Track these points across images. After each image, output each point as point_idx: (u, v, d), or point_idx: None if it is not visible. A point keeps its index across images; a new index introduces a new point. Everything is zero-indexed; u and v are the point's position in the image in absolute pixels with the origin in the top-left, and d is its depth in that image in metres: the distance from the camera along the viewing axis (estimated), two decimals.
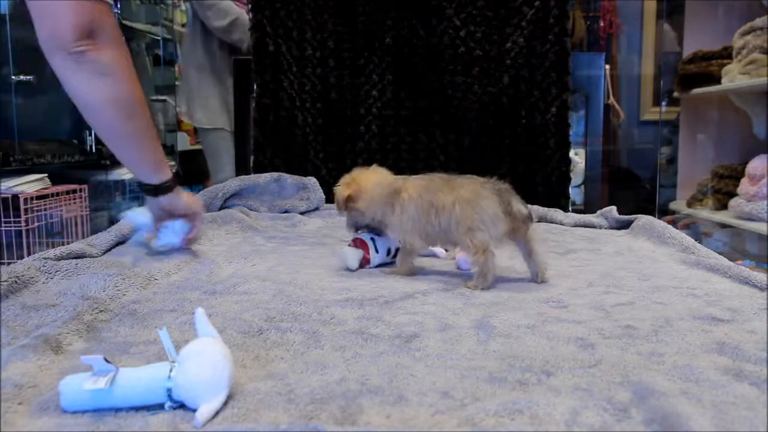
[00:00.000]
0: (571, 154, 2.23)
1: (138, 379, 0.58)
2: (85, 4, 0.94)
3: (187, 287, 1.01)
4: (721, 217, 2.55)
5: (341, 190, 1.15)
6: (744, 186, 2.41)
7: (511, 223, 1.02)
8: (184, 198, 1.19)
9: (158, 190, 1.14)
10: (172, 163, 3.34)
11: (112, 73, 0.99)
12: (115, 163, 2.87)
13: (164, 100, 3.43)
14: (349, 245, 1.19)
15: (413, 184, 1.10)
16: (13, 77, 2.28)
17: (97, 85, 0.99)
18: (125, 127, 1.05)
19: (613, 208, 1.72)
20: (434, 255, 1.28)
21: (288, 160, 2.15)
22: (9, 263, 1.46)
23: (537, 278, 1.06)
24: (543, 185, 2.18)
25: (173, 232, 1.20)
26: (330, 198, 2.08)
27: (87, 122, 1.06)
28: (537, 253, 1.06)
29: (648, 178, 3.45)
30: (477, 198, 1.02)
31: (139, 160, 1.12)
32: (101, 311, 0.86)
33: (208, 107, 2.61)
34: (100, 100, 1.00)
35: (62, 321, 0.79)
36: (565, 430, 0.54)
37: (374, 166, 1.19)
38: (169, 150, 3.41)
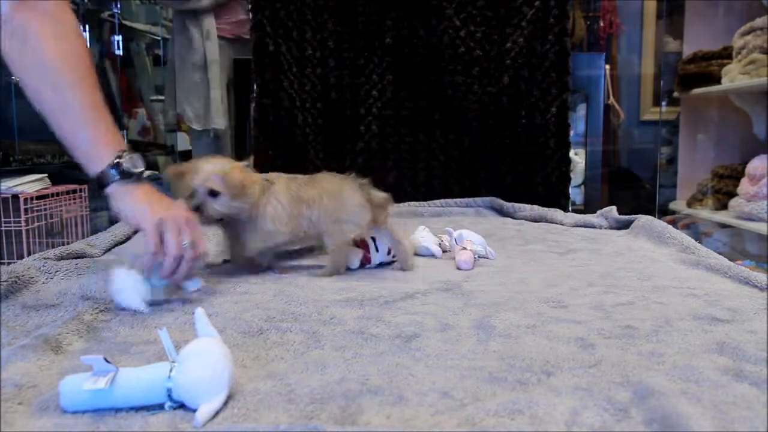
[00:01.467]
0: (571, 154, 2.23)
1: (138, 379, 0.58)
2: None
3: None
4: (721, 217, 2.55)
5: (236, 173, 1.03)
6: (744, 186, 2.41)
7: (372, 211, 1.09)
8: (134, 198, 0.89)
9: (99, 185, 0.89)
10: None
11: (30, 40, 0.86)
12: None
13: (164, 100, 3.43)
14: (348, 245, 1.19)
15: (279, 178, 1.14)
16: (13, 77, 2.27)
17: (19, 51, 0.87)
18: (49, 101, 0.88)
19: (613, 208, 1.72)
20: (433, 255, 1.28)
21: (288, 160, 2.15)
22: (9, 263, 1.46)
23: (405, 265, 1.14)
24: (543, 185, 2.18)
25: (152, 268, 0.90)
26: None
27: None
28: (401, 240, 1.14)
29: (648, 178, 3.45)
30: (341, 190, 1.09)
31: (75, 142, 0.89)
32: (101, 311, 0.86)
33: (192, 106, 2.58)
34: (21, 74, 0.88)
35: (62, 321, 0.79)
36: (565, 430, 0.54)
37: (218, 156, 1.10)
38: (170, 150, 3.41)
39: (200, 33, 2.57)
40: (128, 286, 0.87)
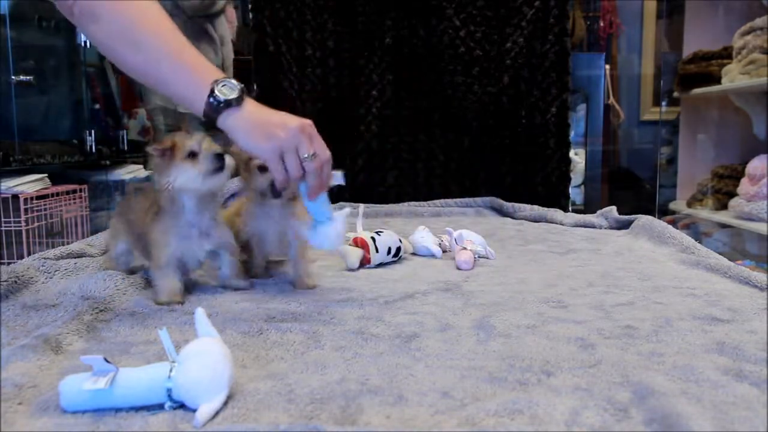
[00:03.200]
0: (571, 154, 2.23)
1: (138, 379, 0.58)
2: None
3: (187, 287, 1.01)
4: (721, 217, 2.55)
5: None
6: (744, 186, 2.41)
7: None
8: (242, 127, 0.87)
9: (207, 121, 0.88)
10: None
11: (100, 17, 0.89)
12: (115, 163, 2.87)
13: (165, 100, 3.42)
14: (349, 244, 1.19)
15: None
16: (13, 77, 2.28)
17: (94, 32, 0.91)
18: (136, 62, 0.90)
19: (613, 208, 1.72)
20: (434, 255, 1.28)
21: None
22: (9, 263, 1.46)
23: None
24: (543, 185, 2.18)
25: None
26: (329, 198, 2.08)
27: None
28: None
29: (648, 178, 3.45)
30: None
31: (173, 92, 0.92)
32: (101, 311, 0.86)
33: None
34: (104, 46, 0.91)
35: (62, 321, 0.79)
36: (565, 430, 0.54)
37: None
38: None
39: (216, 36, 2.58)
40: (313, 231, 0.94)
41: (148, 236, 0.92)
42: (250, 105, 0.89)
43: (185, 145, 0.89)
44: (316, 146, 0.89)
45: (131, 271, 1.03)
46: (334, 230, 0.95)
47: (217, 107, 0.86)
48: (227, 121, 0.87)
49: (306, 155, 0.87)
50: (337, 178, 0.95)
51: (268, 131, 0.87)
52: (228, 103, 0.86)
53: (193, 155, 0.89)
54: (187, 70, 0.89)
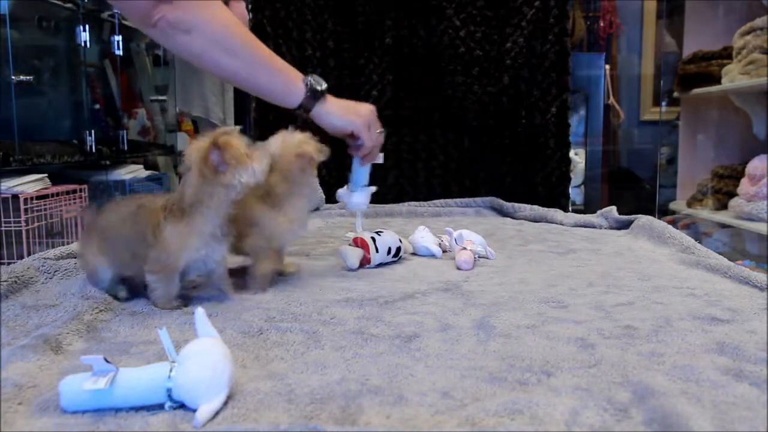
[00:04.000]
0: (571, 154, 2.23)
1: (138, 379, 0.58)
2: None
3: (187, 287, 1.00)
4: (721, 217, 2.55)
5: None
6: (744, 186, 2.41)
7: None
8: (334, 111, 1.10)
9: (305, 110, 1.09)
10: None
11: (194, 27, 0.97)
12: (115, 163, 2.87)
13: (164, 100, 3.43)
14: (349, 244, 1.19)
15: None
16: (13, 77, 2.28)
17: (187, 43, 0.99)
18: (232, 67, 1.03)
19: (613, 208, 1.72)
20: (434, 255, 1.28)
21: None
22: (9, 263, 1.46)
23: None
24: (543, 185, 2.18)
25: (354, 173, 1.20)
26: (331, 198, 2.08)
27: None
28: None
29: (648, 178, 3.45)
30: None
31: (268, 91, 1.09)
32: (101, 311, 0.86)
33: (191, 95, 2.59)
34: (197, 55, 1.01)
35: (62, 321, 0.79)
36: (565, 430, 0.54)
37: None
38: (170, 150, 3.41)
39: None
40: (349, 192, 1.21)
41: (157, 240, 0.88)
42: (330, 96, 1.11)
43: (241, 145, 0.89)
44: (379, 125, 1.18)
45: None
46: (367, 196, 1.22)
47: (313, 98, 1.08)
48: (321, 108, 1.10)
49: (379, 130, 1.17)
50: (380, 157, 1.21)
51: (355, 111, 1.14)
52: (322, 94, 1.09)
53: (248, 154, 0.90)
54: (281, 73, 1.07)
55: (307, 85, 1.08)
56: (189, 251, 0.89)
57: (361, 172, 1.21)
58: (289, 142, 1.05)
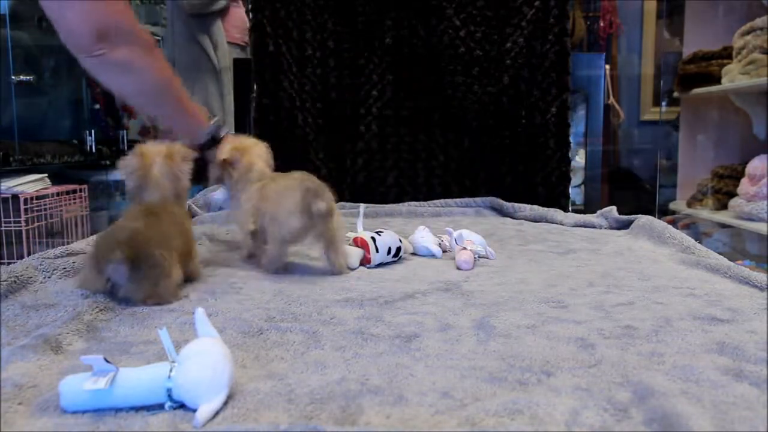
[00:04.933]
0: (578, 158, 2.23)
1: (138, 379, 0.58)
2: (97, 6, 0.96)
3: (187, 287, 1.01)
4: (721, 217, 2.55)
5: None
6: (744, 186, 2.41)
7: (309, 221, 1.08)
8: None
9: (207, 144, 1.22)
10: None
11: (132, 70, 1.04)
12: (115, 163, 2.87)
13: None
14: (349, 244, 1.19)
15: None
16: (13, 77, 2.28)
17: (120, 81, 1.07)
18: (156, 107, 1.19)
19: (613, 208, 1.72)
20: (434, 255, 1.28)
21: (288, 160, 2.15)
22: (9, 263, 1.46)
23: (335, 268, 1.12)
24: (543, 185, 2.18)
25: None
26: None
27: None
28: (335, 247, 1.12)
29: (648, 178, 3.45)
30: (282, 193, 1.11)
31: (180, 126, 1.22)
32: (101, 311, 0.86)
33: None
34: (127, 93, 1.12)
35: (62, 321, 0.79)
36: (565, 430, 0.54)
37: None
38: None
39: (210, 40, 2.58)
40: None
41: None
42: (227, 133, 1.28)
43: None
44: None
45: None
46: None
47: (215, 136, 1.23)
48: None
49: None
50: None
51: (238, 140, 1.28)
52: (220, 132, 1.25)
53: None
54: (193, 118, 1.20)
55: (215, 121, 1.25)
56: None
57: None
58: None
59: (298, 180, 1.12)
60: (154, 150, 1.09)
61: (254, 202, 1.15)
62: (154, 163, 1.07)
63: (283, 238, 1.10)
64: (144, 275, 0.89)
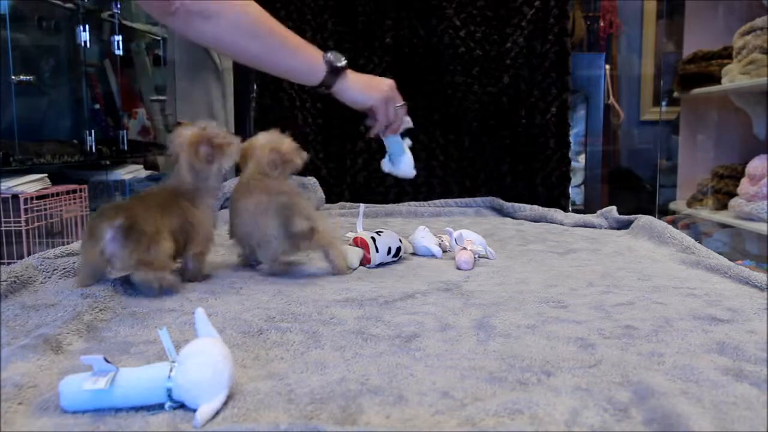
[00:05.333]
0: (578, 163, 2.23)
1: (138, 379, 0.58)
2: None
3: (187, 287, 1.01)
4: (721, 217, 2.55)
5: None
6: (744, 186, 2.41)
7: (293, 240, 1.04)
8: (354, 86, 1.14)
9: (324, 86, 1.13)
10: None
11: (212, 13, 1.01)
12: (115, 163, 2.87)
13: (164, 100, 3.42)
14: (349, 244, 1.19)
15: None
16: (13, 77, 2.27)
17: (206, 30, 1.02)
18: (252, 51, 1.07)
19: (613, 208, 1.72)
20: (434, 255, 1.28)
21: None
22: (9, 263, 1.46)
23: (336, 269, 1.10)
24: (543, 185, 2.18)
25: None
26: (331, 198, 2.08)
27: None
28: (333, 248, 1.09)
29: (648, 178, 3.45)
30: (255, 216, 1.05)
31: (289, 71, 1.14)
32: (101, 311, 0.86)
33: (191, 103, 2.59)
34: (217, 41, 1.06)
35: (62, 321, 0.79)
36: (565, 430, 0.54)
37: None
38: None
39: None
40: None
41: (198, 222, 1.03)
42: (350, 72, 1.15)
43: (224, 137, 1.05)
44: (400, 97, 1.20)
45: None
46: (410, 160, 1.30)
47: (334, 75, 1.12)
48: (341, 84, 1.14)
49: (399, 104, 1.20)
50: (407, 122, 1.26)
51: (375, 86, 1.18)
52: (341, 70, 1.13)
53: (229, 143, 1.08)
54: (301, 53, 1.10)
55: (327, 62, 1.12)
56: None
57: (392, 142, 1.26)
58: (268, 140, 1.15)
59: (274, 194, 1.05)
60: (185, 133, 1.02)
61: (230, 217, 1.12)
62: (182, 147, 1.01)
63: (273, 257, 1.07)
64: (132, 240, 0.91)
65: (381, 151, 2.20)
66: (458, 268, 1.17)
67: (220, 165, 1.03)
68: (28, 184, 2.07)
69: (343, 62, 1.12)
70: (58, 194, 2.17)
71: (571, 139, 2.22)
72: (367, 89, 1.17)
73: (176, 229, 0.99)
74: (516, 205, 1.90)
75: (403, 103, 1.21)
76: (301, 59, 1.11)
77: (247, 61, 1.11)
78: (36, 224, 2.05)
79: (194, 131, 1.01)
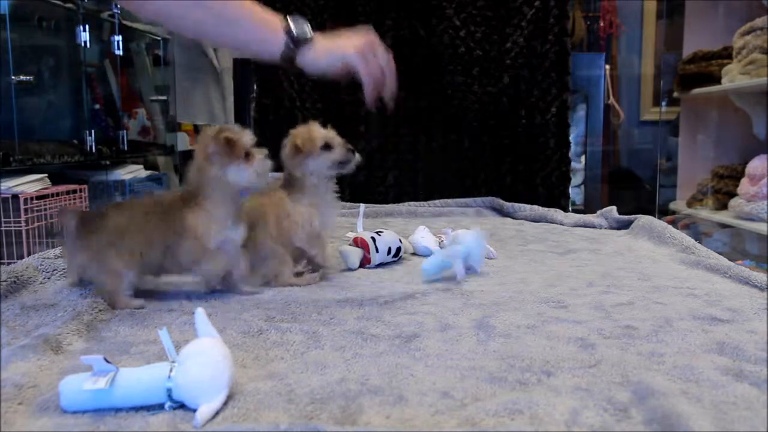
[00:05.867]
0: (579, 165, 2.23)
1: (138, 379, 0.58)
2: None
3: (187, 287, 1.01)
4: (721, 217, 2.55)
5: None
6: (744, 186, 2.41)
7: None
8: (320, 54, 0.96)
9: (285, 59, 0.96)
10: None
11: None
12: (115, 163, 2.87)
13: (165, 100, 3.42)
14: (349, 244, 1.19)
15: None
16: (13, 77, 2.27)
17: (160, 5, 0.94)
18: (197, 17, 0.94)
19: (613, 208, 1.72)
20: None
21: None
22: (9, 263, 1.46)
23: (319, 261, 1.08)
24: (543, 185, 2.18)
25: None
26: None
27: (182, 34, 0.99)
28: (320, 245, 1.08)
29: (648, 178, 3.45)
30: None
31: (241, 41, 0.99)
32: (101, 311, 0.86)
33: (191, 104, 2.58)
34: (164, 13, 0.96)
35: (62, 321, 0.79)
36: (565, 430, 0.54)
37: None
38: (170, 150, 3.41)
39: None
40: None
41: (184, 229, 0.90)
42: (318, 36, 0.97)
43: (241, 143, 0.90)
44: (384, 49, 1.00)
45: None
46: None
47: (294, 47, 0.95)
48: (306, 55, 0.96)
49: (381, 53, 0.99)
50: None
51: (344, 43, 0.97)
52: (304, 41, 0.95)
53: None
54: (255, 20, 0.95)
55: (286, 32, 0.96)
56: (213, 234, 0.90)
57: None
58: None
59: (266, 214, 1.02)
60: (202, 136, 0.92)
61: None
62: (198, 151, 0.91)
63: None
64: (83, 249, 0.90)
65: (381, 151, 2.20)
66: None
67: (235, 172, 0.89)
68: (28, 184, 2.07)
69: (307, 33, 0.95)
70: (58, 194, 2.17)
71: (571, 139, 2.22)
72: (335, 50, 0.97)
73: (155, 240, 0.90)
74: (516, 205, 1.90)
75: (387, 51, 1.02)
76: (255, 28, 0.96)
77: (197, 35, 1.01)
78: (36, 224, 2.05)
79: (213, 130, 0.90)
